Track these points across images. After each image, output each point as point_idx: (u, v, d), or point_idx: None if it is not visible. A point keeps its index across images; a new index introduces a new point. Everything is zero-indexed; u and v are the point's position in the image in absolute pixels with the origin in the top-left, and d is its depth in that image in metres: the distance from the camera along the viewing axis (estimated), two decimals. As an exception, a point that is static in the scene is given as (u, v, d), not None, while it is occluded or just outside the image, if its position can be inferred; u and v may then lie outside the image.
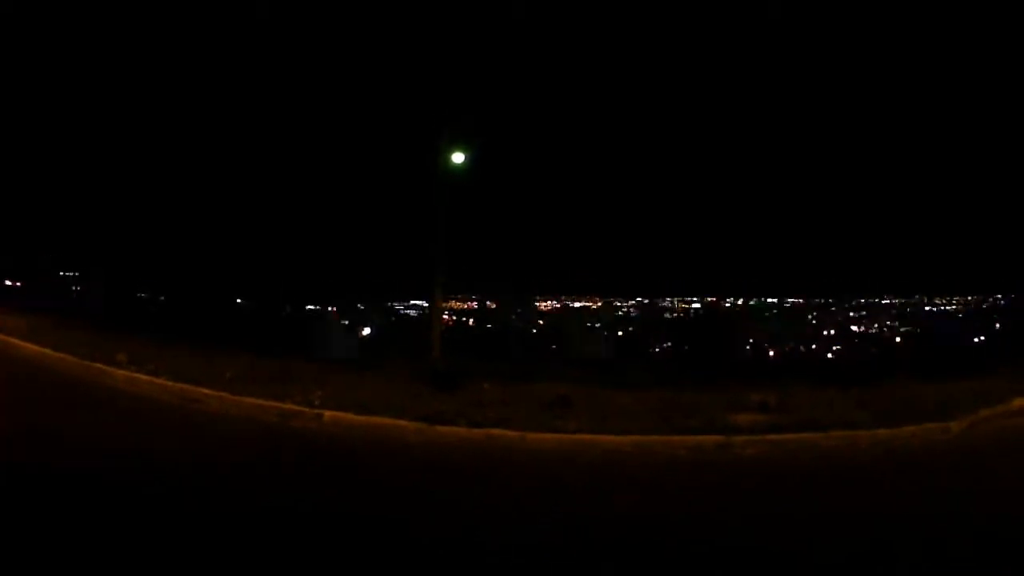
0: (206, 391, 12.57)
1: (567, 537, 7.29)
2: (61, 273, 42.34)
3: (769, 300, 51.61)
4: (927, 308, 54.40)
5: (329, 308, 40.57)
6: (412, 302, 39.95)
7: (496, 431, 11.36)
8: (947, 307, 54.80)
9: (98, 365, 13.97)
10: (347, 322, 40.02)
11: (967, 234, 52.42)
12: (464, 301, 40.95)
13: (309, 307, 40.20)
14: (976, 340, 48.81)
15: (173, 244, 37.51)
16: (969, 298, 54.73)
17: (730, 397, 13.47)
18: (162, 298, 39.84)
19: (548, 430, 11.42)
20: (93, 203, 36.05)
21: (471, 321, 41.41)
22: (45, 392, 12.52)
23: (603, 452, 10.94)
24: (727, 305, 51.30)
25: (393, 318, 40.69)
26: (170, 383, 12.97)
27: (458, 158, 19.70)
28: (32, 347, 15.32)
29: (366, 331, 38.72)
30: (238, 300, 39.23)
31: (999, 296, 53.66)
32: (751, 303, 50.99)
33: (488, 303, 41.76)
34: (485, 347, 29.91)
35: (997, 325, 51.71)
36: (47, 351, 14.95)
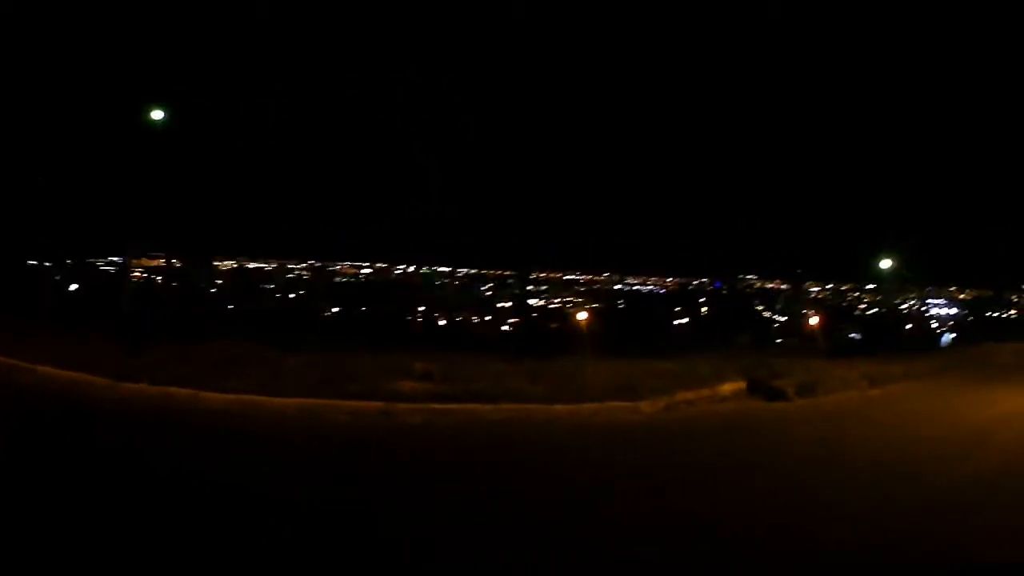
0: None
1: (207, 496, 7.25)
2: None
3: (441, 269, 50.85)
4: (617, 287, 53.75)
5: (46, 264, 39.81)
6: (111, 258, 40.03)
7: (173, 389, 11.95)
8: (642, 287, 54.47)
9: None
10: (58, 278, 39.61)
11: (673, 213, 51.06)
12: (153, 259, 40.21)
13: (30, 262, 39.25)
14: (678, 322, 49.33)
15: None
16: (669, 280, 54.28)
17: (395, 364, 13.99)
18: None
19: (220, 390, 11.98)
20: None
21: (160, 278, 41.22)
22: None
23: (271, 413, 11.42)
24: (398, 272, 50.80)
25: (94, 274, 40.25)
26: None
27: (157, 115, 20.25)
28: None
29: (73, 287, 38.68)
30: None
31: (705, 280, 53.10)
32: (423, 271, 50.41)
33: (174, 261, 41.39)
34: (171, 305, 30.90)
35: (703, 309, 51.19)
36: None
